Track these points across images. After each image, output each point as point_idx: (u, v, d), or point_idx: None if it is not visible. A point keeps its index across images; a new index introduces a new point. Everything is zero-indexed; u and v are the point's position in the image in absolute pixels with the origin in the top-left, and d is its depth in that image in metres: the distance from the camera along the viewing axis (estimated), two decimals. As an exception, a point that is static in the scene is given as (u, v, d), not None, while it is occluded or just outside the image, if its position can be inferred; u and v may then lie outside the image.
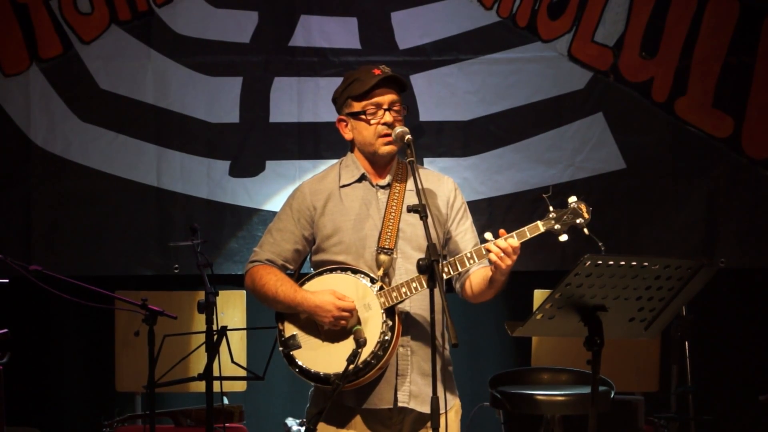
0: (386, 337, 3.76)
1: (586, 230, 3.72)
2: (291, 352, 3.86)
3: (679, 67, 6.22)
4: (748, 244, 6.25)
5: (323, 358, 3.81)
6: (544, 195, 3.74)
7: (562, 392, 5.16)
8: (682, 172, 6.26)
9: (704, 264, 3.42)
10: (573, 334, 3.50)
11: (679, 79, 6.23)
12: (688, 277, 3.42)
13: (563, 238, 3.73)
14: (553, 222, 3.73)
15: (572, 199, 3.76)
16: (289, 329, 3.90)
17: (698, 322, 5.87)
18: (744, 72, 6.22)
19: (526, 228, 3.73)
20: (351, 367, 3.68)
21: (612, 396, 5.22)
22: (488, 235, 3.72)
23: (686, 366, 5.91)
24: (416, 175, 3.66)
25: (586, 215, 3.75)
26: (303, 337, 3.87)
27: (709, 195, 6.24)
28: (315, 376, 3.82)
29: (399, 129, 3.83)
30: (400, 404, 3.83)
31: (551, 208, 3.74)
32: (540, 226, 3.74)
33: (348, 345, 3.77)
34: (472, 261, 3.76)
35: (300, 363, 3.84)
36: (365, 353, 3.74)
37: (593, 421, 3.53)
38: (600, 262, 3.31)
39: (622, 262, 3.33)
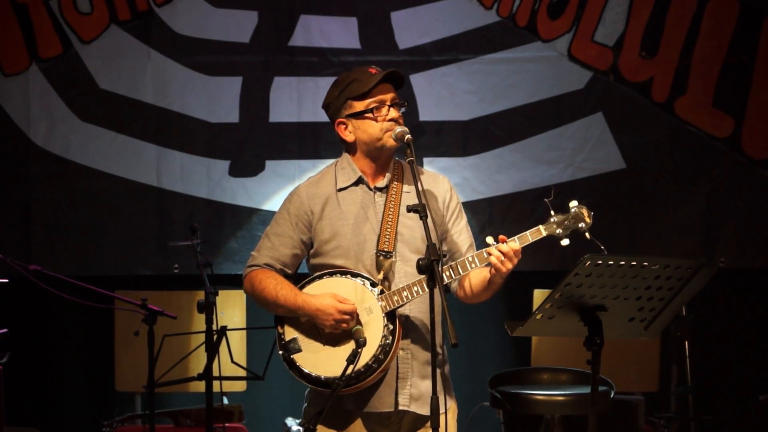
0: (387, 341, 3.75)
1: (587, 234, 3.72)
2: (291, 356, 3.85)
3: (678, 67, 6.22)
4: (748, 244, 6.25)
5: (324, 361, 3.80)
6: (546, 200, 3.74)
7: (562, 392, 5.16)
8: (682, 172, 6.26)
9: (704, 264, 3.42)
10: (573, 334, 3.50)
11: (679, 79, 6.23)
12: (688, 277, 3.41)
13: (565, 242, 3.73)
14: (555, 226, 3.73)
15: (573, 203, 3.76)
16: (290, 333, 3.88)
17: (698, 322, 5.88)
18: (744, 72, 6.22)
19: (528, 232, 3.72)
20: (351, 367, 3.67)
21: (612, 396, 5.22)
22: (489, 239, 3.72)
23: (686, 366, 5.91)
24: (416, 175, 3.65)
25: (587, 219, 3.75)
26: (303, 341, 3.85)
27: (709, 195, 6.24)
28: (316, 380, 3.80)
29: (399, 129, 3.81)
30: (400, 407, 3.83)
31: (552, 212, 3.73)
32: (542, 231, 3.74)
33: (349, 348, 3.75)
34: (473, 265, 3.75)
35: (301, 367, 3.82)
36: (366, 357, 3.73)
37: (593, 421, 3.53)
38: (600, 262, 3.31)
39: (622, 262, 3.33)
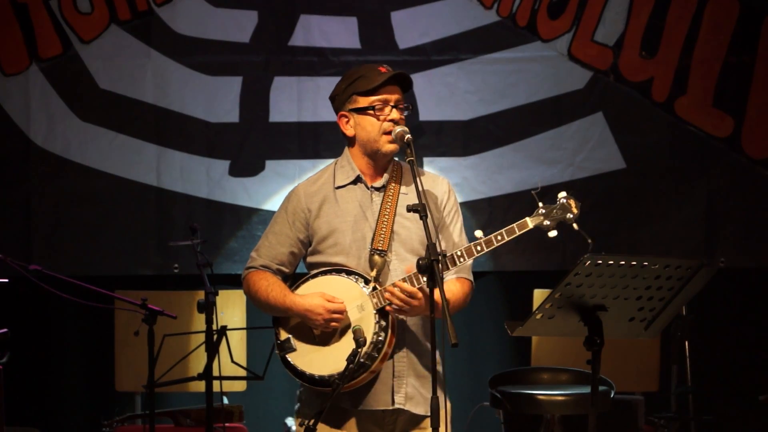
0: (380, 338, 3.75)
1: (575, 225, 3.70)
2: (286, 356, 3.86)
3: (679, 67, 6.22)
4: (748, 244, 6.25)
5: (318, 360, 3.81)
6: (533, 191, 3.73)
7: (562, 392, 5.16)
8: (682, 172, 6.26)
9: (704, 264, 3.42)
10: (573, 334, 3.50)
11: (679, 79, 6.23)
12: (688, 276, 3.41)
13: (552, 234, 3.71)
14: (542, 218, 3.71)
15: (562, 194, 3.75)
16: (284, 332, 3.90)
17: (698, 322, 5.87)
18: (744, 72, 6.22)
19: (515, 225, 3.71)
20: (351, 367, 3.67)
21: (612, 396, 5.22)
22: (478, 233, 3.71)
23: (686, 366, 5.90)
24: (416, 175, 3.65)
25: (575, 210, 3.72)
26: (297, 340, 3.87)
27: (709, 195, 6.24)
28: (310, 379, 3.81)
29: (399, 129, 3.81)
30: (397, 405, 3.83)
31: (540, 204, 3.72)
32: (529, 222, 3.72)
33: (341, 346, 3.77)
34: (462, 259, 3.74)
35: (295, 366, 3.83)
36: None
37: (593, 421, 3.53)
38: (600, 261, 3.31)
39: (622, 262, 3.33)
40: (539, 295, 5.91)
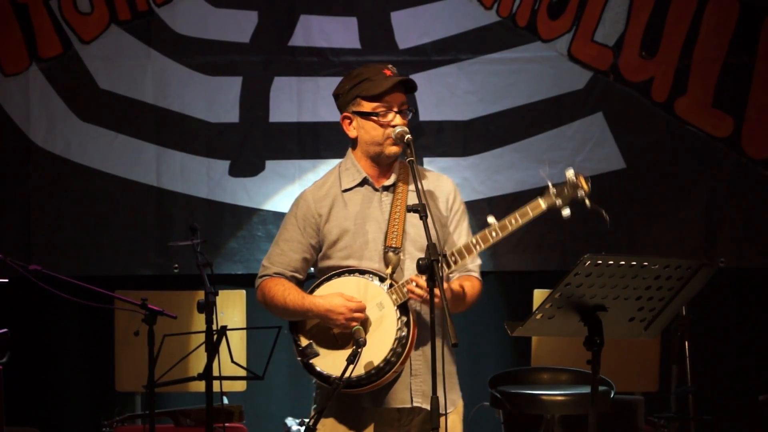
0: (403, 334, 3.74)
1: (587, 201, 3.69)
2: (310, 361, 3.83)
3: (679, 67, 6.22)
4: (748, 244, 6.25)
5: (341, 362, 3.78)
6: (541, 172, 3.71)
7: (562, 392, 5.16)
8: (682, 172, 6.26)
9: (704, 264, 3.42)
10: (573, 334, 3.50)
11: (679, 79, 6.23)
12: (688, 276, 3.41)
13: (566, 212, 3.68)
14: (553, 197, 3.70)
15: (569, 172, 3.73)
16: (305, 338, 3.87)
17: (698, 322, 5.87)
18: (744, 72, 6.22)
19: (527, 206, 3.69)
20: (351, 367, 3.66)
21: (612, 396, 5.22)
22: (491, 219, 3.70)
23: (686, 366, 5.90)
24: (416, 175, 3.65)
25: (585, 187, 3.71)
26: (319, 344, 3.84)
27: (709, 195, 6.24)
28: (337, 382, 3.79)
29: (399, 129, 3.81)
30: (415, 404, 3.82)
31: (550, 184, 3.70)
32: (541, 203, 3.70)
33: (365, 347, 3.75)
34: (479, 246, 3.73)
35: (321, 371, 3.80)
36: (384, 352, 3.71)
37: (593, 421, 3.53)
38: (600, 261, 3.31)
39: (622, 262, 3.33)
40: (539, 295, 5.90)
